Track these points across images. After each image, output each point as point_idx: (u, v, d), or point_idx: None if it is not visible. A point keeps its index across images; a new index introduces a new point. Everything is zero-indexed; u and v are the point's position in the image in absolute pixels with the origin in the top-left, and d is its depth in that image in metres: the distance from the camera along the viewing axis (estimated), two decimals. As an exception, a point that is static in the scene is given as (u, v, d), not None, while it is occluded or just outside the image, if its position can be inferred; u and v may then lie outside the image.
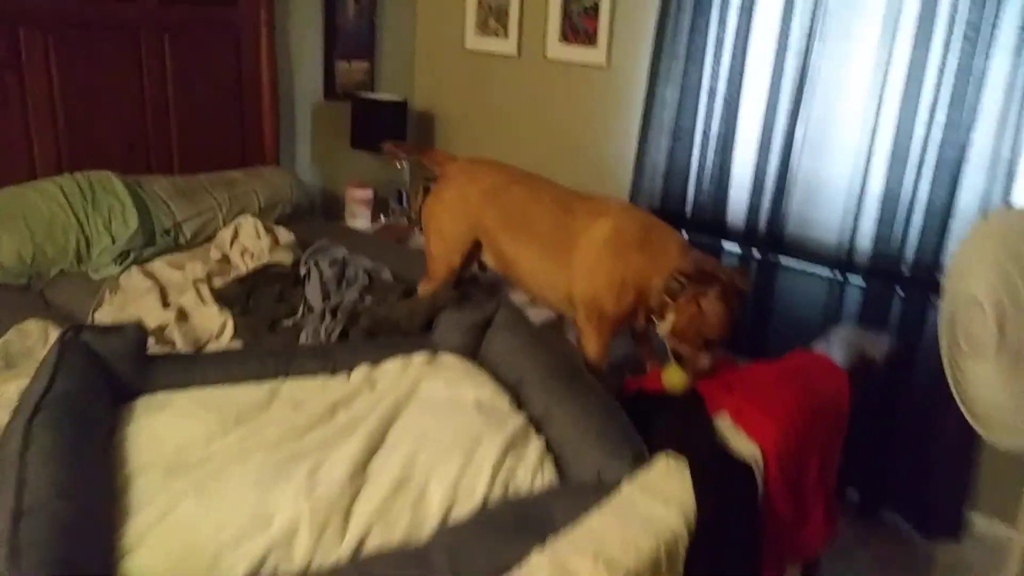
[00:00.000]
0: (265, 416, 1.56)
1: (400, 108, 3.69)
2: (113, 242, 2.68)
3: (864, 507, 2.87)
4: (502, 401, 1.66)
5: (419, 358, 1.80)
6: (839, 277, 2.82)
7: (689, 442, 1.55)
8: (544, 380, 1.72)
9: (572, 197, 2.13)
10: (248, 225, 2.71)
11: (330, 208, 3.79)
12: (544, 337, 1.90)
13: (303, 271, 2.34)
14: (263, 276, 2.31)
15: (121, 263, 2.65)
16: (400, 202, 3.76)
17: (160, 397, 1.58)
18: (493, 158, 2.47)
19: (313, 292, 2.24)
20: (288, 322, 2.16)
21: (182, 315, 2.26)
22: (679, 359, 2.03)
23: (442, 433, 1.51)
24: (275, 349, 1.90)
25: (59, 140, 2.82)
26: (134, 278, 2.47)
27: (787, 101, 2.80)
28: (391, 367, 1.77)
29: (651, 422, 1.82)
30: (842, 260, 2.79)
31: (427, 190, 3.86)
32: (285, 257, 2.43)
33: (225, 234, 2.72)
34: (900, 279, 2.65)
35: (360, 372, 1.74)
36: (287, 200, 3.26)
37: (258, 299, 2.23)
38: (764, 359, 2.02)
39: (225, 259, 2.61)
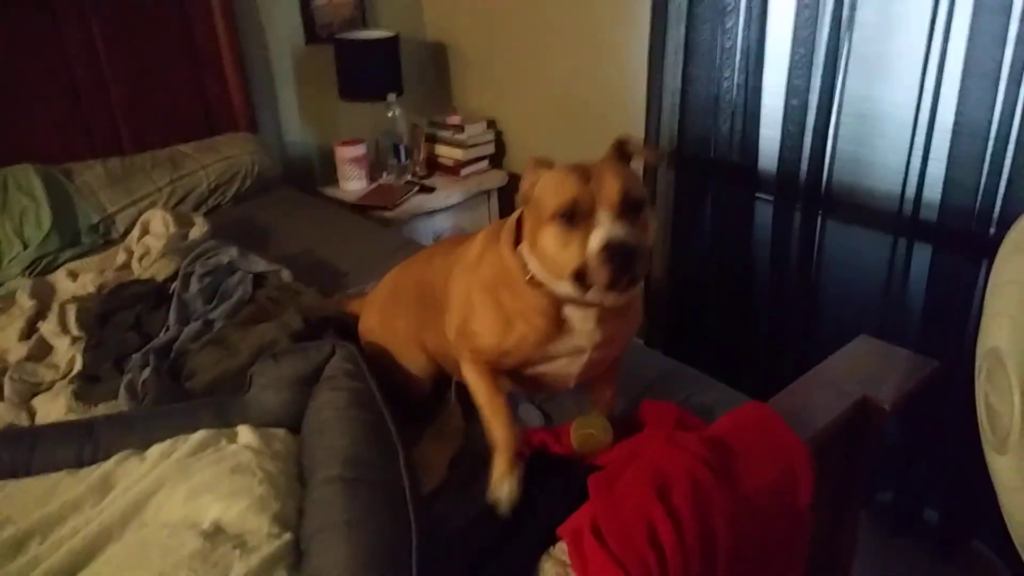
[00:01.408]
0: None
1: (390, 46, 3.14)
2: (24, 248, 2.41)
3: (945, 534, 2.17)
4: (258, 521, 1.18)
5: (196, 438, 1.35)
6: (903, 244, 2.03)
7: None
8: (333, 480, 1.22)
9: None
10: (156, 219, 2.34)
11: (328, 171, 3.35)
12: (373, 398, 1.39)
13: (172, 287, 1.94)
14: (122, 296, 1.93)
15: (33, 272, 2.38)
16: (397, 157, 3.26)
17: None
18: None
19: (171, 315, 1.84)
20: (139, 354, 1.77)
21: (44, 347, 1.94)
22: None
23: (123, 593, 1.07)
24: (17, 430, 1.52)
25: (-24, 134, 2.56)
26: (24, 294, 2.17)
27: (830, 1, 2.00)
28: (147, 458, 1.33)
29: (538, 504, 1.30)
30: (906, 220, 2.00)
31: (430, 139, 3.34)
32: (161, 268, 2.03)
33: (134, 232, 2.36)
34: (984, 244, 1.85)
35: (106, 467, 1.33)
36: (246, 173, 2.86)
37: (113, 326, 1.86)
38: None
39: (127, 265, 2.26)
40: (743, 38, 2.21)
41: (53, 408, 1.71)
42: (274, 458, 1.32)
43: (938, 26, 1.81)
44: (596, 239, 1.11)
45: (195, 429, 1.40)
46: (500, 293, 1.29)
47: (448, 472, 1.45)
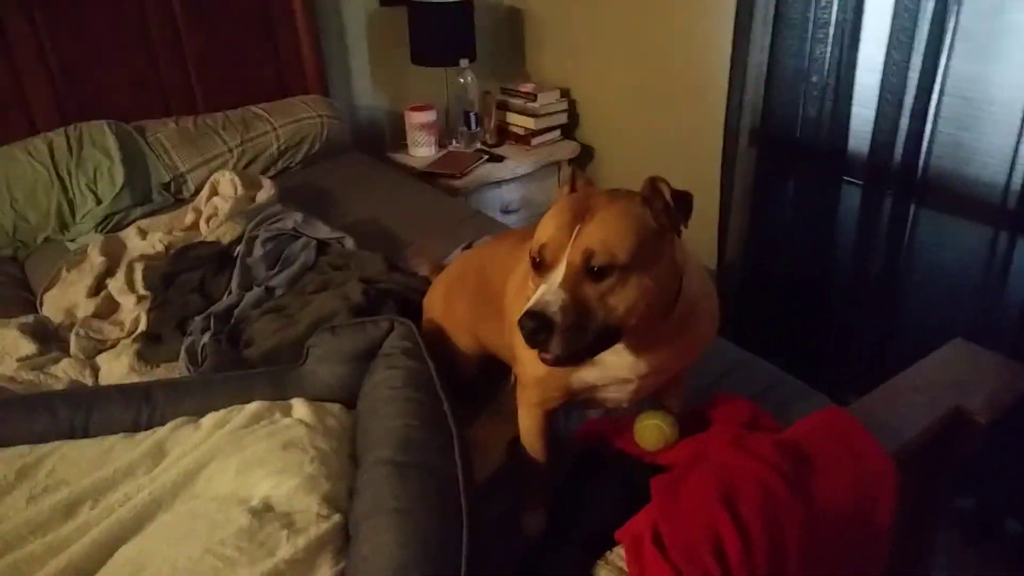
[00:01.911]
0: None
1: (464, 10, 3.06)
2: (98, 203, 2.44)
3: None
4: (307, 500, 1.15)
5: (250, 409, 1.33)
6: (1005, 239, 1.88)
7: None
8: (385, 463, 1.18)
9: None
10: (225, 181, 2.33)
11: (397, 137, 3.31)
12: (430, 379, 1.34)
13: (236, 250, 1.92)
14: (187, 257, 1.93)
15: (105, 228, 2.41)
16: (467, 124, 3.19)
17: None
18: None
19: (234, 279, 1.82)
20: (221, 305, 1.77)
21: (111, 304, 1.96)
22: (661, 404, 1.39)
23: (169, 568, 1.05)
24: (77, 390, 1.53)
25: (56, 89, 2.59)
26: (95, 250, 2.20)
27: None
28: (201, 426, 1.32)
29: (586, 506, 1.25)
30: (1010, 213, 1.84)
31: (502, 106, 3.25)
32: (226, 230, 2.02)
33: (204, 192, 2.36)
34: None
35: (160, 434, 1.32)
36: (316, 137, 2.84)
37: (177, 287, 1.86)
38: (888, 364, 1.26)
39: (195, 225, 2.26)
40: (838, 9, 2.05)
41: (116, 366, 1.73)
42: (327, 435, 1.29)
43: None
44: (530, 299, 1.02)
45: (250, 399, 1.38)
46: None
47: (506, 457, 1.41)
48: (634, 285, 1.04)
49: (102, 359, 1.78)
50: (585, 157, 3.35)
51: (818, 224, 2.30)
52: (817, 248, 2.32)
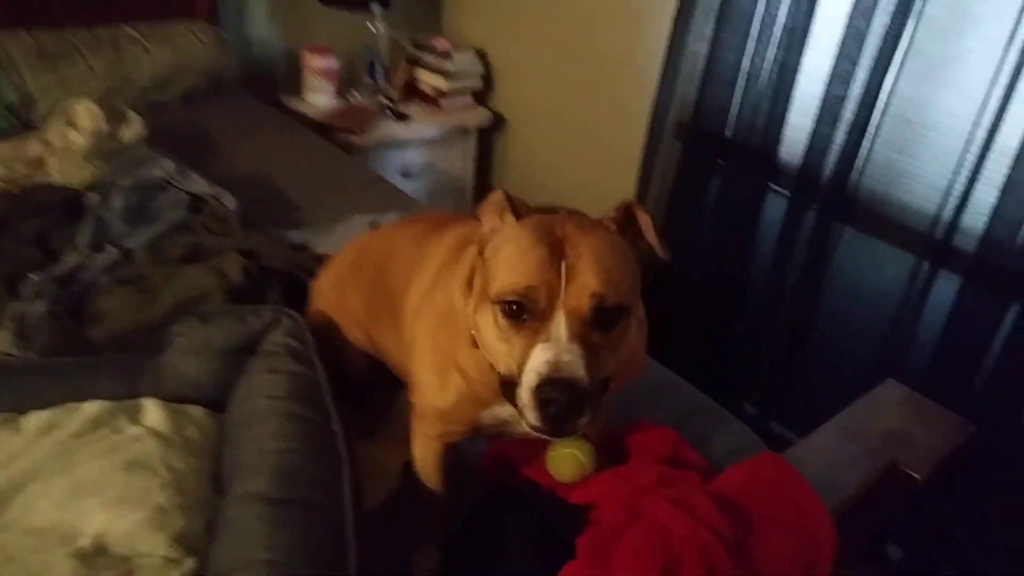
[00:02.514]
0: None
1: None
2: (-77, 119, 2.04)
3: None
4: (153, 541, 0.92)
5: (88, 412, 1.08)
6: (927, 270, 1.83)
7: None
8: (257, 499, 0.96)
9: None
10: (83, 110, 1.98)
11: (292, 79, 2.98)
12: (318, 390, 1.13)
13: (91, 199, 1.61)
14: (27, 203, 1.60)
15: (-73, 150, 2.00)
16: (372, 75, 2.91)
17: None
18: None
19: (83, 234, 1.52)
20: (37, 277, 1.46)
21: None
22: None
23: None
24: None
25: None
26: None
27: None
28: (21, 430, 1.05)
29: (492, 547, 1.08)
30: (936, 244, 1.80)
31: (412, 61, 2.99)
32: (79, 171, 1.70)
33: (55, 121, 2.00)
34: (1018, 285, 1.66)
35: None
36: (200, 69, 2.50)
37: (10, 238, 1.54)
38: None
39: (41, 161, 1.91)
40: (789, 9, 1.93)
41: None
42: (185, 450, 1.06)
43: (1020, 34, 1.58)
44: (536, 361, 0.81)
45: (91, 394, 1.13)
46: (441, 334, 1.01)
47: (402, 481, 1.21)
48: (635, 327, 0.90)
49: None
50: (496, 128, 3.14)
51: (738, 230, 2.21)
52: (735, 256, 2.23)
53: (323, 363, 1.19)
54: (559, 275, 0.83)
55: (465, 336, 0.97)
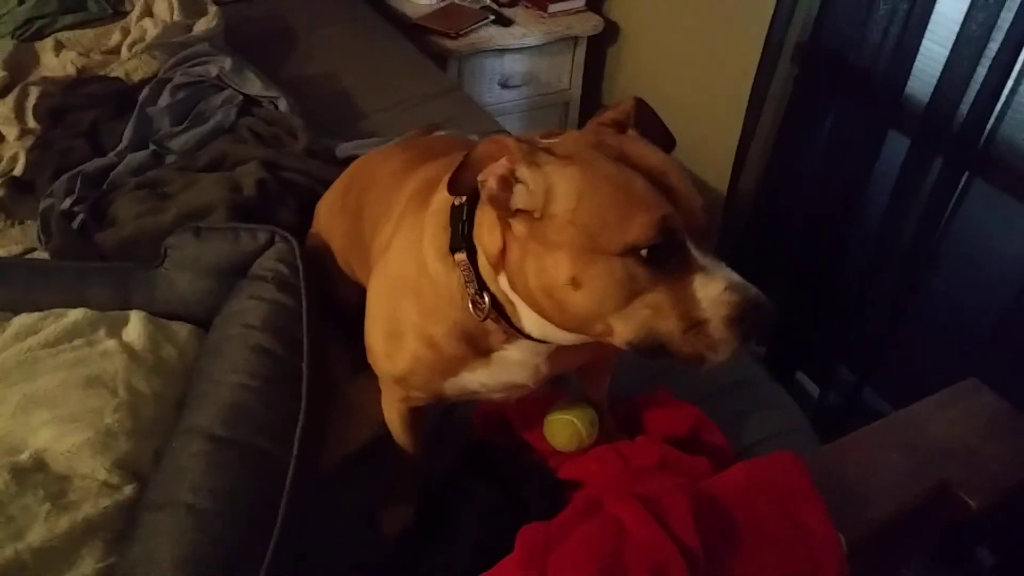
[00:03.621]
0: None
1: None
2: (21, 2, 2.08)
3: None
4: (93, 463, 0.90)
5: (70, 320, 1.06)
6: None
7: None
8: (200, 435, 0.91)
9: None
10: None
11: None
12: (296, 322, 1.06)
13: (145, 96, 1.59)
14: (80, 93, 1.60)
15: (25, 35, 2.05)
16: (478, -25, 2.73)
17: None
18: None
19: (127, 131, 1.50)
20: (96, 163, 1.45)
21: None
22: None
23: None
24: None
25: None
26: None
27: None
28: (5, 330, 1.05)
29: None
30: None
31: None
32: (140, 64, 1.67)
33: (136, 9, 1.99)
34: None
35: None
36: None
37: (65, 129, 1.55)
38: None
39: (116, 49, 1.91)
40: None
41: (-29, 215, 1.45)
42: (154, 371, 1.03)
43: None
44: (713, 292, 0.70)
45: (82, 301, 1.11)
46: (400, 299, 0.88)
47: (384, 428, 1.14)
48: None
49: (-38, 201, 1.49)
50: (607, 37, 2.89)
51: (849, 173, 1.93)
52: (844, 199, 1.96)
53: (315, 292, 1.12)
54: (671, 197, 0.71)
55: (443, 302, 0.84)
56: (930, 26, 1.68)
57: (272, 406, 0.96)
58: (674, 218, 0.69)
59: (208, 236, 1.13)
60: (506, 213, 0.75)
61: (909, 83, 1.76)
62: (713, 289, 0.70)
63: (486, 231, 0.79)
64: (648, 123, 0.82)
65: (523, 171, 0.73)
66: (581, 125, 0.85)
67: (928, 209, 1.78)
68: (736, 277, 0.71)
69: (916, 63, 1.73)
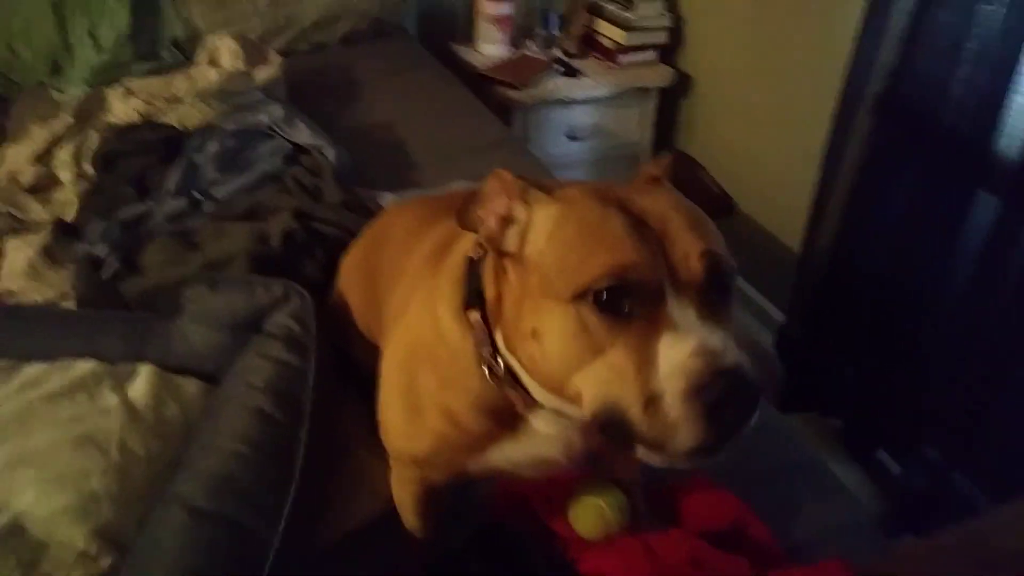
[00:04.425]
0: None
1: None
2: (98, 52, 2.15)
3: None
4: (71, 532, 0.85)
5: (78, 372, 1.03)
6: None
7: None
8: (182, 504, 0.86)
9: None
10: (224, 47, 1.98)
11: (469, 27, 2.84)
12: (302, 386, 1.00)
13: (194, 143, 1.59)
14: (128, 140, 1.61)
15: (97, 81, 2.12)
16: (546, 26, 2.70)
17: None
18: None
19: (171, 178, 1.50)
20: (131, 210, 1.46)
21: (54, 177, 1.70)
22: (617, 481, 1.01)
23: None
24: None
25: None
26: (69, 105, 1.93)
27: None
28: (13, 380, 1.03)
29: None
30: None
31: (593, 11, 2.73)
32: (194, 111, 1.69)
33: (200, 58, 2.03)
34: None
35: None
36: (359, 12, 2.43)
37: (116, 175, 1.56)
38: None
39: (179, 98, 1.94)
40: None
41: (19, 258, 1.46)
42: (154, 430, 0.99)
43: None
44: (676, 357, 0.58)
45: (94, 351, 1.08)
46: (418, 368, 0.81)
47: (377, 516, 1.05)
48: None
49: (13, 244, 1.51)
50: (680, 89, 2.81)
51: (932, 238, 1.77)
52: (929, 261, 1.80)
53: (326, 353, 1.07)
54: (654, 242, 0.62)
55: (460, 369, 0.77)
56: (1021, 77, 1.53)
57: (263, 478, 0.89)
58: (641, 264, 0.60)
59: (224, 288, 1.10)
60: (499, 255, 0.69)
61: (1000, 139, 1.61)
62: (677, 352, 0.57)
63: (489, 280, 0.73)
64: (689, 177, 0.74)
65: (517, 209, 0.68)
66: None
67: (1022, 275, 1.61)
68: (716, 341, 0.58)
69: (1007, 117, 1.58)
